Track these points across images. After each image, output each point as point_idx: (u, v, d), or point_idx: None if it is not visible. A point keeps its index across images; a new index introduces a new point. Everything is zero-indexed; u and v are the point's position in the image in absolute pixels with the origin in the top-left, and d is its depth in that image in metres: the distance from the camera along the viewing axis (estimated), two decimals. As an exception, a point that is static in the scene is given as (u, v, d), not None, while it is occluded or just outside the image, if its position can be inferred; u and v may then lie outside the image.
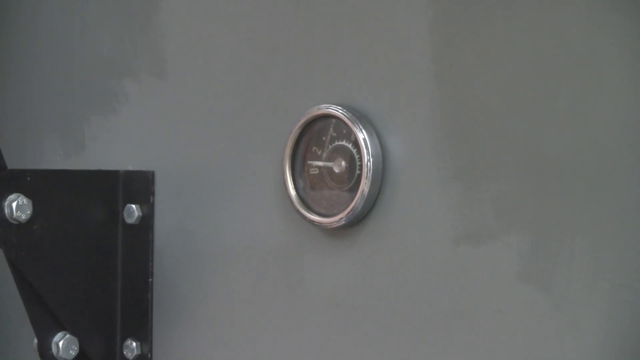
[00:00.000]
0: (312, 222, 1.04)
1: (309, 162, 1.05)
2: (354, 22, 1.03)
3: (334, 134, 1.03)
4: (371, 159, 1.00)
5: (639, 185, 0.87)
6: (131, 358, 1.16)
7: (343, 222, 1.02)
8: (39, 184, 1.08)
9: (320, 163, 1.04)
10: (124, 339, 1.16)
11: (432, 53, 0.98)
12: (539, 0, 0.92)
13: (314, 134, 1.05)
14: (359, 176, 1.01)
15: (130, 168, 1.18)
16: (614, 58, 0.88)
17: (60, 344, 1.11)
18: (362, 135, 1.00)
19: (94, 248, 1.14)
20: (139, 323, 1.16)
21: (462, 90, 0.96)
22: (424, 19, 0.98)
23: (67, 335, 1.11)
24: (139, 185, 1.17)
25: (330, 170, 1.04)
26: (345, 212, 1.01)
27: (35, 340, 1.11)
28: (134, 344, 1.16)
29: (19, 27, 1.28)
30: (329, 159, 1.04)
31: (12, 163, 1.08)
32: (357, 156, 1.01)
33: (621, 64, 0.87)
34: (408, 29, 0.99)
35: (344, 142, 1.03)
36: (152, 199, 1.16)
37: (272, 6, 1.09)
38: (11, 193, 1.05)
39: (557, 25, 0.91)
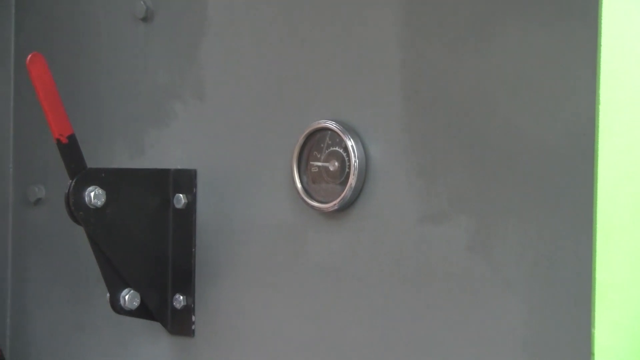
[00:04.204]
0: (313, 207, 1.04)
1: (311, 162, 1.05)
2: (346, 61, 1.03)
3: (330, 142, 1.03)
4: (357, 161, 1.00)
5: (554, 181, 0.88)
6: (179, 308, 1.16)
7: (336, 207, 1.02)
8: (110, 179, 1.08)
9: (319, 163, 1.05)
10: (173, 294, 1.16)
11: (402, 82, 0.99)
12: (480, 42, 0.92)
13: (314, 141, 1.05)
14: (348, 173, 1.01)
15: (178, 167, 1.18)
16: (539, 82, 0.88)
17: (127, 297, 1.11)
18: (350, 143, 1.01)
19: (152, 226, 1.14)
20: (185, 282, 1.15)
21: (424, 110, 0.97)
22: (396, 57, 0.99)
23: (132, 291, 1.11)
24: (185, 180, 1.16)
25: (326, 169, 1.04)
26: (338, 200, 1.02)
27: (108, 295, 1.11)
28: (181, 297, 1.16)
29: (98, 64, 1.29)
30: (326, 160, 1.04)
31: (91, 163, 1.08)
32: (346, 158, 1.02)
33: (544, 86, 0.88)
34: (385, 66, 1.00)
35: (337, 148, 1.03)
36: (194, 190, 1.16)
37: (283, 48, 1.09)
38: (90, 185, 1.05)
39: (495, 61, 0.91)
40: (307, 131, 1.04)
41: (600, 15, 0.78)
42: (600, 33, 0.79)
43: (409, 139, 0.98)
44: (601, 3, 0.78)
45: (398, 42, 0.99)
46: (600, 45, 0.77)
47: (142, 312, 1.13)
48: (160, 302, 1.15)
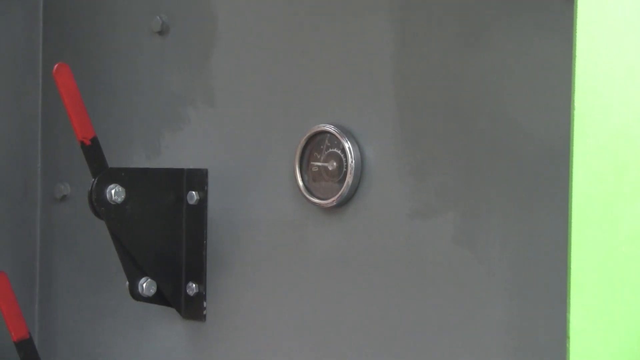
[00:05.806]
0: (313, 203, 1.05)
1: (311, 162, 1.06)
2: (343, 70, 1.04)
3: (329, 144, 1.04)
4: (354, 161, 1.01)
5: (533, 178, 0.88)
6: (192, 295, 1.16)
7: (335, 204, 1.02)
8: (130, 177, 1.08)
9: (319, 163, 1.05)
10: (187, 282, 1.16)
11: (395, 90, 0.99)
12: (465, 53, 0.93)
13: (315, 143, 1.05)
14: (346, 172, 1.02)
15: (191, 167, 1.18)
16: (520, 90, 0.88)
17: (144, 285, 1.11)
18: (347, 145, 1.01)
19: (167, 221, 1.14)
20: (197, 271, 1.16)
21: (414, 115, 0.98)
22: (389, 67, 1.00)
23: (149, 279, 1.11)
24: (197, 178, 1.17)
25: (326, 168, 1.04)
26: (336, 197, 1.02)
27: (127, 283, 1.11)
28: (194, 285, 1.16)
29: (118, 73, 1.29)
30: (325, 160, 1.04)
31: (112, 163, 1.09)
32: (344, 159, 1.02)
33: (524, 94, 0.88)
34: (379, 75, 1.01)
35: (335, 150, 1.03)
36: (206, 187, 1.16)
37: (287, 58, 1.09)
38: (111, 183, 1.06)
39: (478, 73, 0.92)
40: (308, 134, 1.05)
41: (575, 30, 0.79)
42: (575, 46, 0.79)
43: (401, 142, 0.98)
44: (576, 20, 0.79)
45: (390, 55, 0.99)
46: (575, 56, 0.78)
47: (158, 298, 1.14)
48: (174, 289, 1.15)
